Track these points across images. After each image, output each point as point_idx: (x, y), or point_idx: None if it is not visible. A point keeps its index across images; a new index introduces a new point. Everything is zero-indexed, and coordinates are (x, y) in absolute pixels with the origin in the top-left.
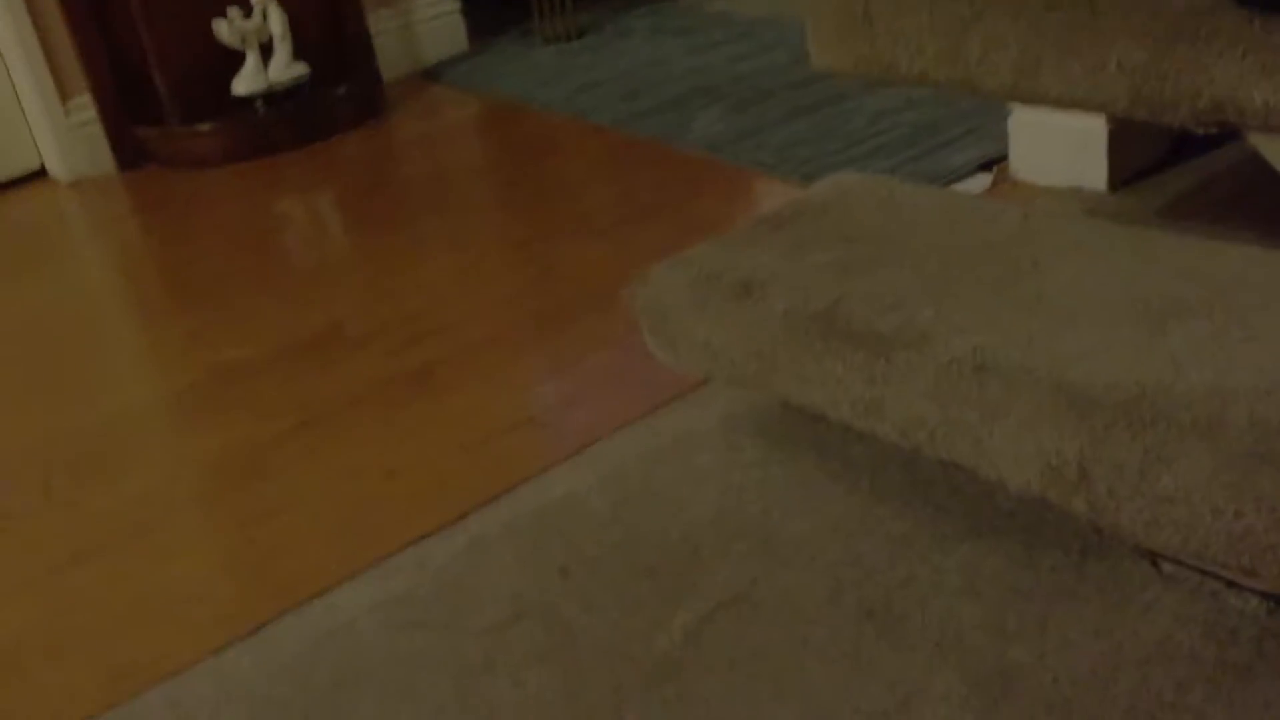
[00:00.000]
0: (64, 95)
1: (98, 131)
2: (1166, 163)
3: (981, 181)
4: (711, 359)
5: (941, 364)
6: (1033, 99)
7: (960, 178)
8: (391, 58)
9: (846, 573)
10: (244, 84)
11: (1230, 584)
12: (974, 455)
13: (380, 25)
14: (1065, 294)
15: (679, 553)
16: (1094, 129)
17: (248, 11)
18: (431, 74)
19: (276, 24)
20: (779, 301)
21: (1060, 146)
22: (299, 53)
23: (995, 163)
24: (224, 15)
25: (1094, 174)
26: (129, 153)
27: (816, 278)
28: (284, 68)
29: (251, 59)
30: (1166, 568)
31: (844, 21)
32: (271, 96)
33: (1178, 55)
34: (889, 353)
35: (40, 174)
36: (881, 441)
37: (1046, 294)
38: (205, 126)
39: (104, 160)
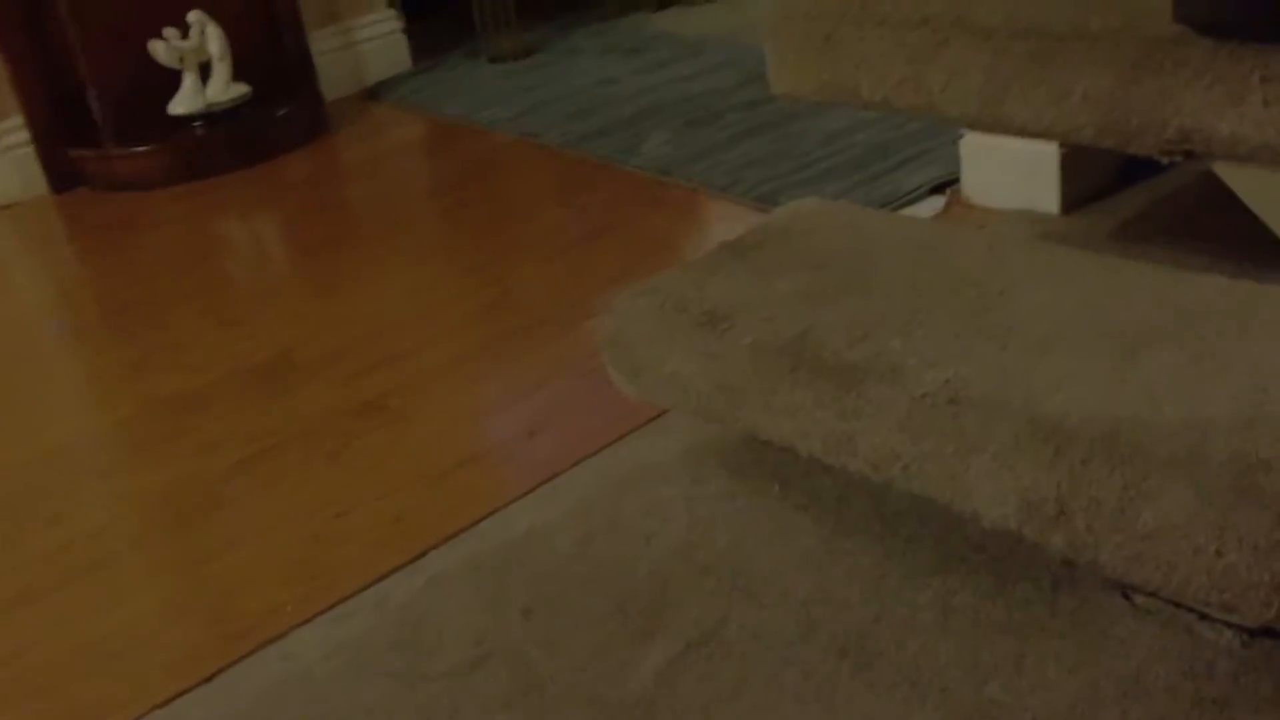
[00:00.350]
0: None
1: (30, 154)
2: (1117, 185)
3: (934, 204)
4: (677, 391)
5: (914, 397)
6: (997, 127)
7: (913, 200)
8: (333, 77)
9: (818, 610)
10: (182, 104)
11: (1204, 617)
12: (949, 490)
13: (321, 44)
14: (1036, 323)
15: (646, 589)
16: (1046, 152)
17: (185, 31)
18: (374, 94)
19: (215, 43)
20: (746, 332)
21: (1012, 170)
22: (239, 73)
23: (948, 185)
24: (160, 35)
25: (1046, 197)
26: (63, 175)
27: (784, 307)
28: (223, 88)
29: (189, 79)
30: (1139, 600)
31: (805, 46)
32: (210, 117)
33: (1144, 84)
34: (860, 385)
35: None
36: (849, 473)
37: (1017, 324)
38: (142, 148)
39: (36, 183)
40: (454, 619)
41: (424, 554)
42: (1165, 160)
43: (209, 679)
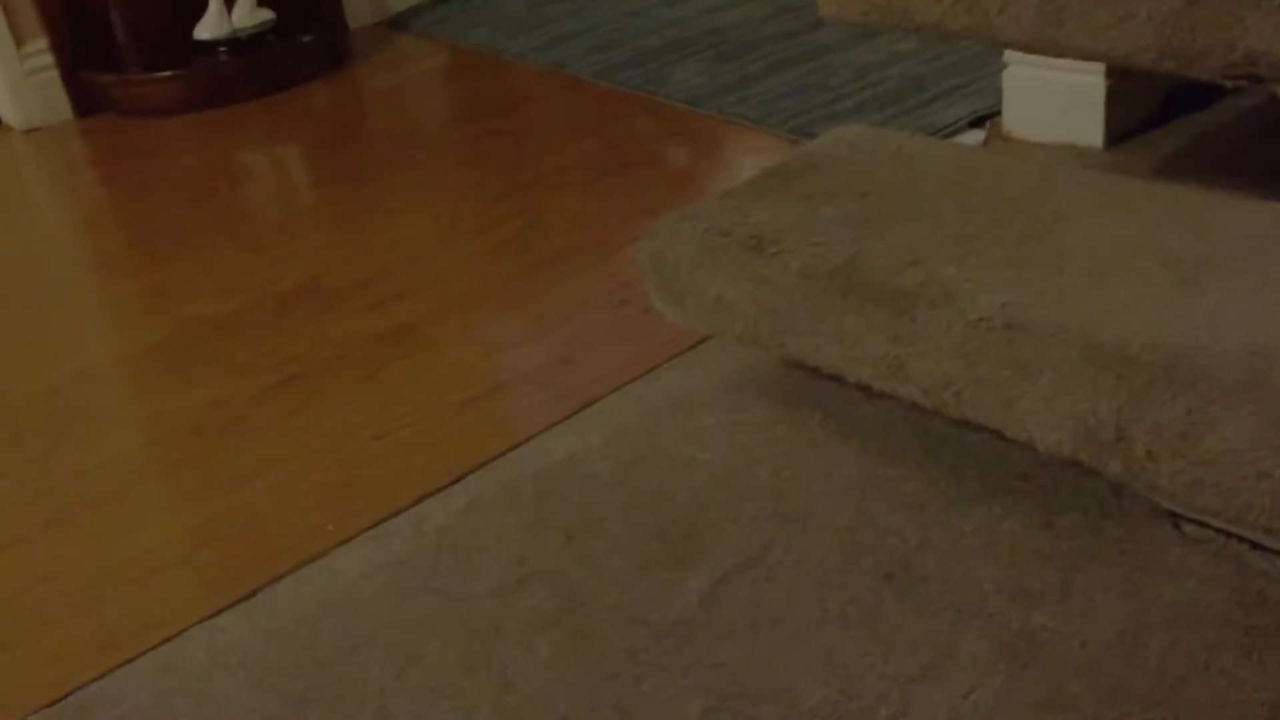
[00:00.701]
0: (18, 40)
1: (53, 78)
2: (1161, 119)
3: (974, 137)
4: (722, 317)
5: (969, 321)
6: (1055, 50)
7: (951, 134)
8: (356, 6)
9: (862, 535)
10: (206, 30)
11: (1254, 546)
12: (1002, 416)
13: None
14: (1092, 250)
15: (687, 515)
16: (1091, 84)
17: None
18: (398, 23)
19: None
20: (794, 257)
21: (1056, 102)
22: None
23: (987, 118)
24: None
25: (1090, 130)
26: (86, 100)
27: (832, 232)
28: (248, 14)
29: (214, 5)
30: (1188, 529)
31: None
32: (234, 44)
33: (1210, 6)
34: (913, 310)
35: None
36: (889, 403)
37: (1072, 250)
38: (165, 74)
39: (60, 108)
40: (494, 541)
41: (461, 478)
42: (1230, 85)
43: (250, 595)
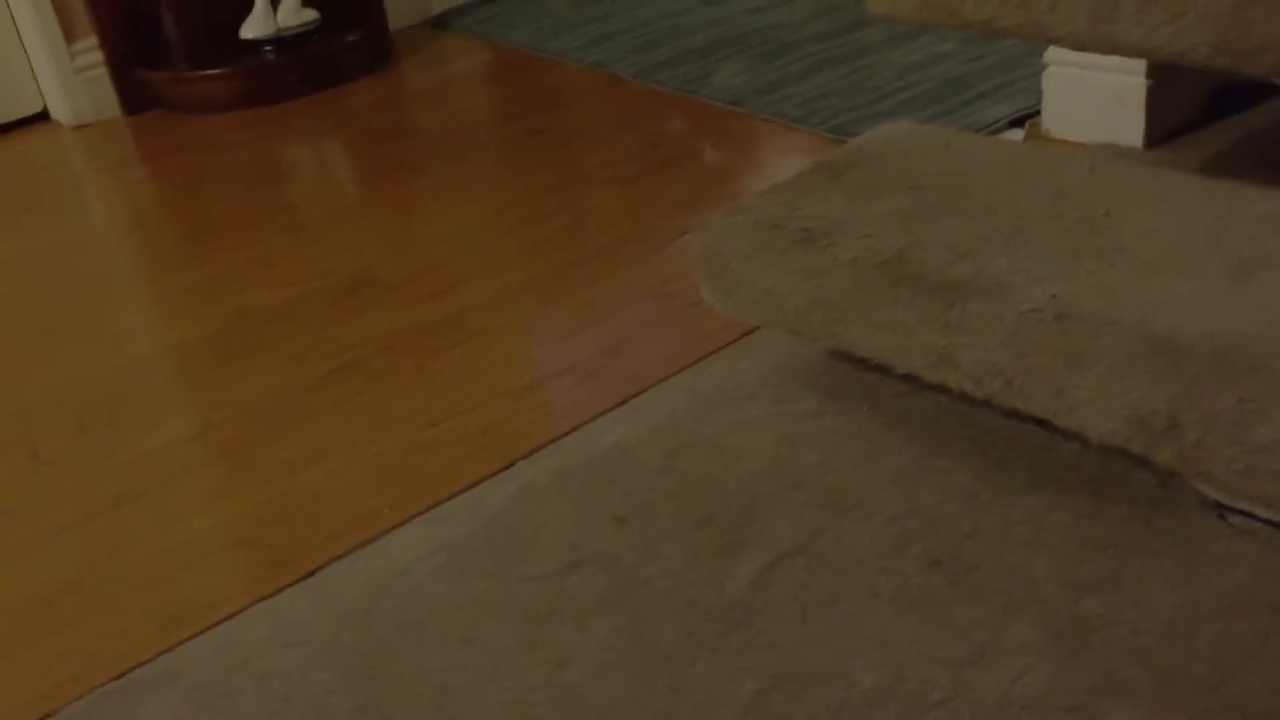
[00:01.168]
0: (69, 37)
1: (103, 75)
2: (1202, 121)
3: (1014, 137)
4: (773, 308)
5: (1021, 312)
6: (1107, 47)
7: (992, 133)
8: (399, 6)
9: (910, 523)
10: (252, 29)
11: None
12: (1054, 405)
13: None
14: (1143, 243)
15: (737, 503)
16: (1132, 84)
17: None
18: (440, 23)
19: None
20: (845, 249)
21: (1096, 102)
22: None
23: (1027, 118)
24: None
25: (1130, 131)
26: (134, 97)
27: (882, 225)
28: (293, 13)
29: (260, 4)
30: (1235, 520)
31: None
32: (280, 42)
33: (1264, 2)
34: (964, 301)
35: (42, 116)
36: (936, 395)
37: (1124, 243)
38: (213, 71)
39: (109, 104)
40: (547, 525)
41: (513, 464)
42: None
43: (310, 574)
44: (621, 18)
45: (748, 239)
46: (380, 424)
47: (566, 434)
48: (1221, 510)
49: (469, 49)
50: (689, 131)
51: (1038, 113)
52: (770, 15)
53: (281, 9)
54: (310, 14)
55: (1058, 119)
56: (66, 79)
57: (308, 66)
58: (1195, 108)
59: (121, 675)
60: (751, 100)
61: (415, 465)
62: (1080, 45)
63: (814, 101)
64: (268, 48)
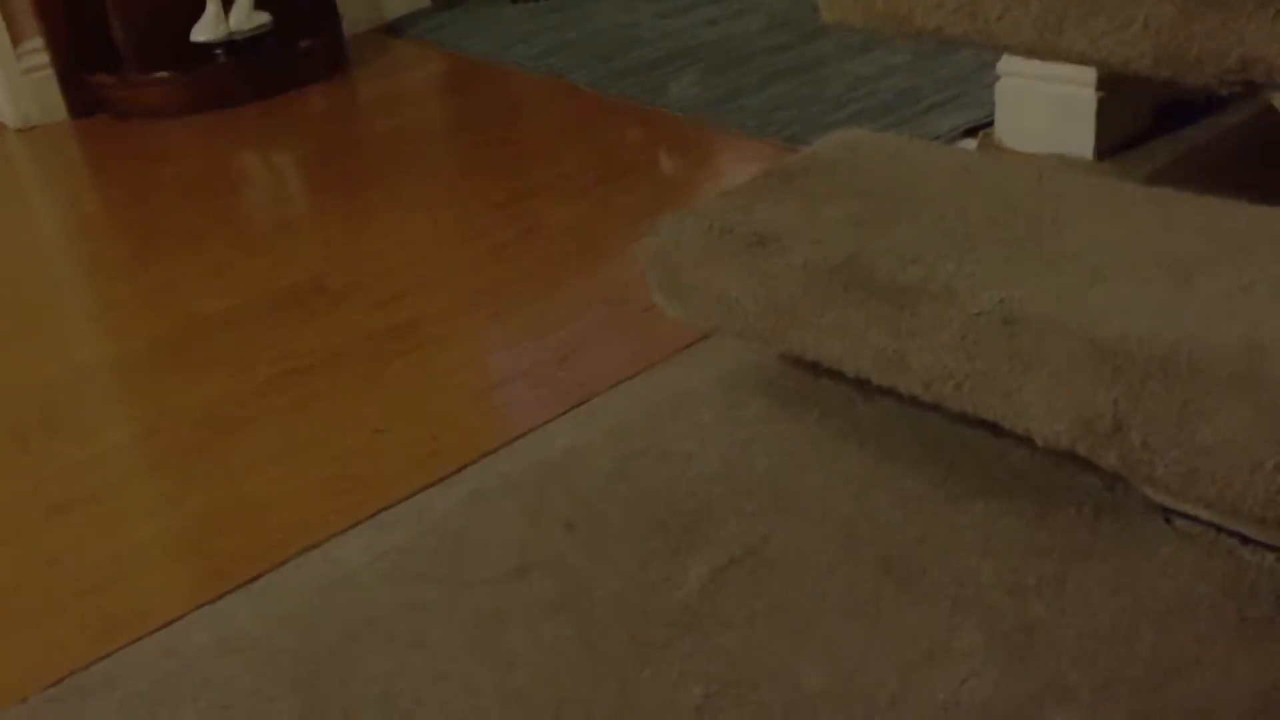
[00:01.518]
0: (15, 38)
1: (50, 77)
2: (1151, 133)
3: (967, 148)
4: (725, 312)
5: (969, 316)
6: (1053, 55)
7: (946, 143)
8: (354, 11)
9: (860, 529)
10: (203, 32)
11: (1245, 540)
12: (1002, 408)
13: None
14: (1089, 250)
15: (688, 508)
16: (1083, 97)
17: None
18: (395, 29)
19: None
20: (797, 253)
21: (1048, 114)
22: (261, 2)
23: (980, 129)
24: None
25: (1081, 142)
26: (82, 100)
27: (833, 230)
28: (246, 16)
29: (212, 6)
30: (1180, 524)
31: None
32: (232, 46)
33: (1205, 14)
34: (913, 305)
35: None
36: (887, 402)
37: (1070, 250)
38: (162, 75)
39: (55, 107)
40: (496, 530)
41: (462, 469)
42: (1224, 92)
43: (253, 580)
44: (576, 28)
45: (700, 244)
46: (327, 431)
47: (516, 440)
48: (1166, 514)
49: (423, 57)
50: (644, 141)
51: (991, 123)
52: (725, 27)
53: (234, 12)
54: (263, 17)
55: (1010, 130)
56: (12, 80)
57: (260, 71)
58: (1143, 121)
59: (59, 682)
60: (706, 111)
61: (362, 472)
62: (1029, 53)
63: (767, 113)
64: (219, 51)
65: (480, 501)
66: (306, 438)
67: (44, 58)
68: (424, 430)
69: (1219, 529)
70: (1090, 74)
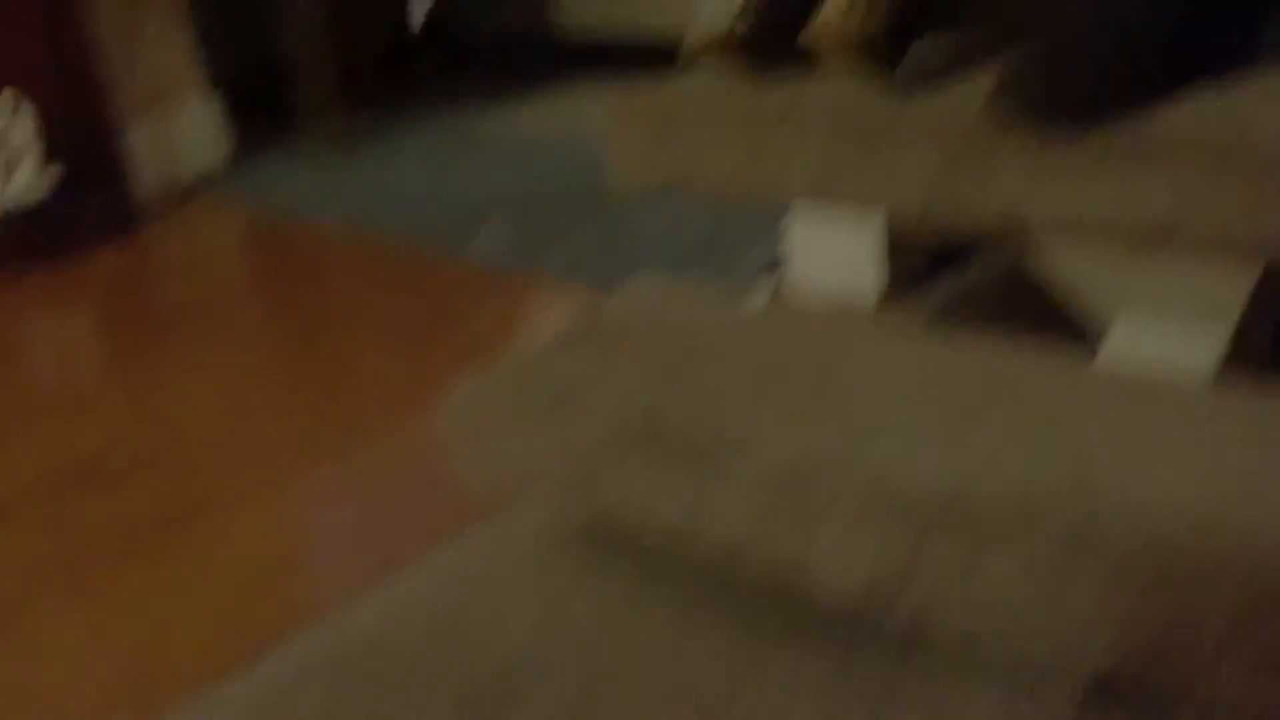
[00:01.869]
0: None
1: None
2: (931, 276)
3: (765, 289)
4: (525, 473)
5: (761, 471)
6: (835, 200)
7: (745, 285)
8: (149, 166)
9: (672, 686)
10: None
11: (1044, 674)
12: (798, 563)
13: (136, 131)
14: (874, 397)
15: (497, 677)
16: (863, 243)
17: None
18: (193, 185)
19: (24, 129)
20: (593, 411)
21: (835, 257)
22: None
23: (777, 269)
24: None
25: (867, 282)
26: None
27: (629, 386)
28: (34, 176)
29: None
30: (984, 658)
31: (646, 136)
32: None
33: (967, 167)
34: (707, 461)
35: None
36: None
37: (856, 398)
38: None
39: None
40: None
41: (256, 655)
42: (990, 240)
43: None
44: (380, 179)
45: (499, 406)
46: (106, 626)
47: (315, 621)
48: (972, 651)
49: (222, 213)
50: (451, 294)
51: (786, 264)
52: (530, 180)
53: (17, 177)
54: (50, 173)
55: (801, 270)
56: None
57: (44, 233)
58: (921, 264)
59: None
60: (513, 261)
61: (144, 671)
62: (810, 196)
63: (574, 261)
64: None
65: (275, 690)
66: (83, 636)
67: None
68: (211, 617)
69: (1019, 664)
70: (877, 220)
